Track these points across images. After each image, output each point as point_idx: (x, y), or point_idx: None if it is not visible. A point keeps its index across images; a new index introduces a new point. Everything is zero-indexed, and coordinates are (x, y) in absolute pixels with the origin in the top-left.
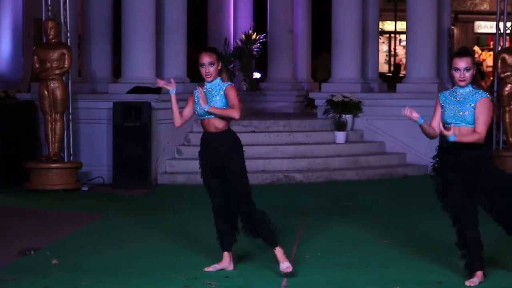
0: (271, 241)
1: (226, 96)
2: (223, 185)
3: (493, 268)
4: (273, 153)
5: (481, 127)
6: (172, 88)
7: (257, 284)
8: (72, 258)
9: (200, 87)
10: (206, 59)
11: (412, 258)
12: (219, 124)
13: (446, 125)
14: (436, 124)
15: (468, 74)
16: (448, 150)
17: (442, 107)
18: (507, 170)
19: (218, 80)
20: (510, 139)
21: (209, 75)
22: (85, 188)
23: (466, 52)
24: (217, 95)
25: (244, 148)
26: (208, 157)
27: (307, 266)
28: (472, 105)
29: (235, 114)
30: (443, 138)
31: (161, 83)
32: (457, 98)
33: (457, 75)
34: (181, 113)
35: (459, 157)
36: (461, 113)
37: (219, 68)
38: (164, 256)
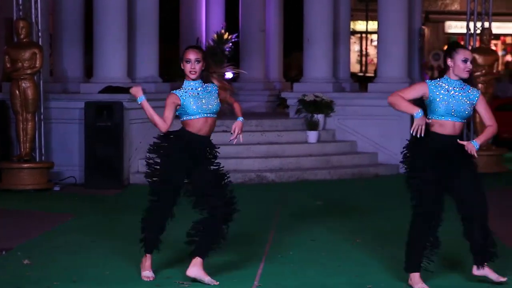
0: (204, 251)
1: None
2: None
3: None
4: (245, 153)
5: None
6: (140, 96)
7: (229, 284)
8: (44, 258)
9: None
10: (192, 55)
11: (384, 257)
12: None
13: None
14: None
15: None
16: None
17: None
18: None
19: (200, 81)
20: None
21: (194, 72)
22: (57, 188)
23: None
24: (214, 96)
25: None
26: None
27: (280, 265)
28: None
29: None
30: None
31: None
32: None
33: (462, 65)
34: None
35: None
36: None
37: (203, 68)
38: (136, 256)
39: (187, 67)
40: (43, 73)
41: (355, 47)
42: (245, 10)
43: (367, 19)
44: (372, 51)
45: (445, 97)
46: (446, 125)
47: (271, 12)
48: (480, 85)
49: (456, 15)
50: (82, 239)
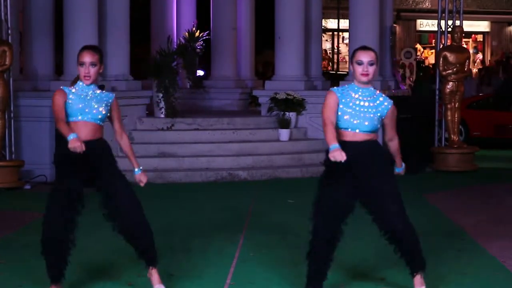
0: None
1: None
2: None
3: None
4: (217, 151)
5: None
6: None
7: (202, 282)
8: (14, 257)
9: None
10: (87, 57)
11: (356, 256)
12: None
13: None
14: None
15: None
16: None
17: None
18: (449, 167)
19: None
20: (452, 136)
21: (88, 76)
22: (27, 187)
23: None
24: (104, 103)
25: (188, 145)
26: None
27: (252, 263)
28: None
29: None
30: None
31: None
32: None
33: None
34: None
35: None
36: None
37: (100, 71)
38: (107, 255)
39: (81, 72)
40: (13, 71)
41: (326, 45)
42: (217, 8)
43: (338, 17)
44: (343, 49)
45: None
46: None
47: (243, 10)
48: (451, 83)
49: (427, 13)
50: None
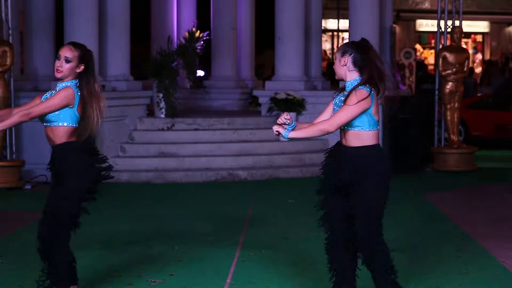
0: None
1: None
2: None
3: None
4: (217, 151)
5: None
6: None
7: (202, 282)
8: (15, 257)
9: None
10: (64, 52)
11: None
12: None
13: None
14: None
15: None
16: None
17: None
18: (449, 167)
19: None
20: (452, 136)
21: (59, 71)
22: (28, 187)
23: None
24: None
25: (188, 145)
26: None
27: (252, 263)
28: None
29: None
30: None
31: None
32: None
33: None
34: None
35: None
36: None
37: (77, 70)
38: (107, 254)
39: (56, 64)
40: (13, 71)
41: (326, 45)
42: (217, 8)
43: (338, 17)
44: None
45: None
46: None
47: (243, 10)
48: (450, 84)
49: (427, 14)
50: None
